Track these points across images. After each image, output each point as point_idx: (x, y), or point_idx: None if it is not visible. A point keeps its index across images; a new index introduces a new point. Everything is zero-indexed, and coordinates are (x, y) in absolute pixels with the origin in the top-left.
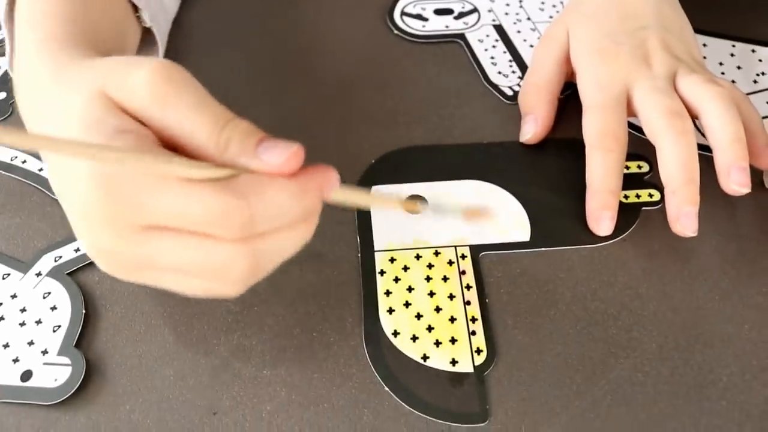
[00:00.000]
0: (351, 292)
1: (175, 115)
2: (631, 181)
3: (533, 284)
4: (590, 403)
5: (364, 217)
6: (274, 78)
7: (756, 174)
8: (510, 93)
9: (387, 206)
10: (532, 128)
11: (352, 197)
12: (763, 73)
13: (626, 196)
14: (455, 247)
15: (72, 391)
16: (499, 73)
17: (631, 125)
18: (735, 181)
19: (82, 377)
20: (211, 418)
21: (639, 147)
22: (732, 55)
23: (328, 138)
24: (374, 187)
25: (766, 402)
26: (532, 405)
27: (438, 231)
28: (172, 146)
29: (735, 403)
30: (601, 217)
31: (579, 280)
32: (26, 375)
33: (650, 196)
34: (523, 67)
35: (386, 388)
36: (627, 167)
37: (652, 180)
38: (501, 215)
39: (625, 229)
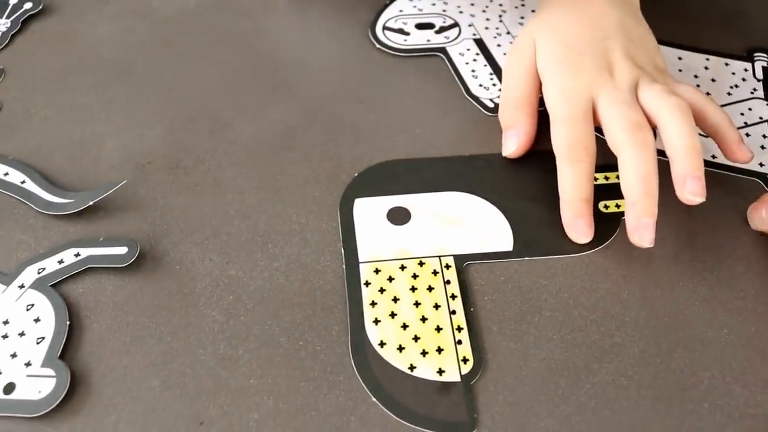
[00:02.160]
0: (336, 301)
1: None
2: (610, 192)
3: (517, 292)
4: (575, 407)
5: (348, 228)
6: (256, 92)
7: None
8: (491, 105)
9: None
10: (514, 143)
11: None
12: (736, 86)
13: (606, 206)
14: (439, 257)
15: (56, 403)
16: (480, 85)
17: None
18: (690, 191)
19: (67, 389)
20: (198, 428)
21: (612, 157)
22: (706, 68)
23: (313, 150)
24: (357, 200)
25: (746, 403)
26: (519, 411)
27: (421, 241)
28: None
29: (716, 405)
30: (576, 225)
31: (562, 288)
32: (9, 387)
33: None
34: None
35: (373, 399)
36: (606, 177)
37: None
38: (484, 225)
39: (606, 238)
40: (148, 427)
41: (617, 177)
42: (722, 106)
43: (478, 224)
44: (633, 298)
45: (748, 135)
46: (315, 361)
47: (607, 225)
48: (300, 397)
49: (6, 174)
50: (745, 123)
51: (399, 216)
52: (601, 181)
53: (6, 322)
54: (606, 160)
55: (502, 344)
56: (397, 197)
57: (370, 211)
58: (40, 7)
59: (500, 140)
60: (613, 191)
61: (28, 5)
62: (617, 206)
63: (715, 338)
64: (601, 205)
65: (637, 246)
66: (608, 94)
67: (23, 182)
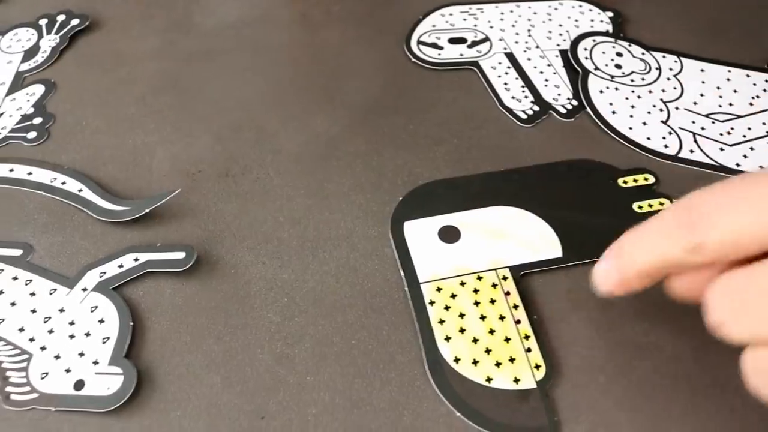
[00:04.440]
0: (385, 302)
1: None
2: (642, 193)
3: (572, 296)
4: (660, 401)
5: (403, 252)
6: (299, 103)
7: None
8: (524, 116)
9: None
10: (612, 276)
11: None
12: (757, 96)
13: (640, 207)
14: (495, 270)
15: (125, 399)
16: (513, 98)
17: (634, 143)
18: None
19: (134, 386)
20: (259, 422)
21: (640, 162)
22: (728, 79)
23: (356, 159)
24: (407, 223)
25: None
26: (596, 411)
27: (476, 257)
28: None
29: (748, 399)
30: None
31: None
32: (79, 384)
33: (661, 204)
34: (534, 92)
35: (458, 414)
36: (635, 180)
37: (660, 190)
38: (531, 235)
39: None
40: (212, 422)
41: (645, 179)
42: (744, 116)
43: (525, 235)
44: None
45: None
46: (367, 359)
47: None
48: (354, 393)
49: (63, 183)
50: (767, 132)
51: (449, 234)
52: (630, 183)
53: (72, 323)
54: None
55: (569, 348)
56: (444, 216)
57: (421, 233)
58: (87, 23)
59: (531, 152)
60: (643, 192)
61: (75, 21)
62: (650, 206)
63: None
64: (635, 205)
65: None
66: None
67: (80, 191)
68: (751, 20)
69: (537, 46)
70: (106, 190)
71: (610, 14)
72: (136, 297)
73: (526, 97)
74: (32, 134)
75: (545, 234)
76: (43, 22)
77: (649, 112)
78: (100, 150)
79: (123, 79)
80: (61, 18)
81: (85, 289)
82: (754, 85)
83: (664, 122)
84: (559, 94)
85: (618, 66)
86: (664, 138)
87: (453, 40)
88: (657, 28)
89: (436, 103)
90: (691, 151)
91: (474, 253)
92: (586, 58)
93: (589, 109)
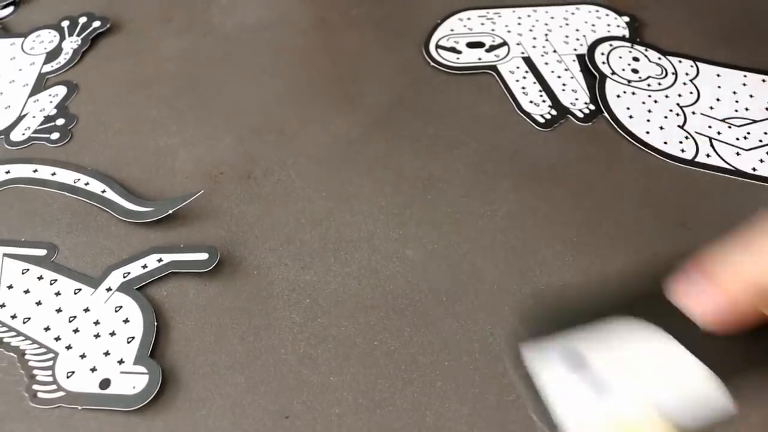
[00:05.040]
0: (406, 304)
1: None
2: None
3: None
4: None
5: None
6: (318, 106)
7: None
8: (542, 121)
9: None
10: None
11: None
12: None
13: None
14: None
15: (150, 398)
16: (531, 102)
17: (651, 147)
18: None
19: (159, 385)
20: (283, 421)
21: (656, 165)
22: (744, 84)
23: (375, 161)
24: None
25: None
26: None
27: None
28: None
29: None
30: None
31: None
32: (105, 383)
33: None
34: (552, 96)
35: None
36: None
37: None
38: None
39: None
40: (237, 421)
41: None
42: (760, 121)
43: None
44: None
45: None
46: (390, 360)
47: None
48: (377, 393)
49: (87, 183)
50: None
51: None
52: None
53: (97, 323)
54: None
55: None
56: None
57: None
58: (108, 25)
59: (549, 152)
60: None
61: (96, 24)
62: None
63: None
64: None
65: None
66: None
67: (104, 191)
68: None
69: (554, 51)
70: (129, 191)
71: (627, 19)
72: (160, 297)
73: (543, 101)
74: (55, 135)
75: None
76: (65, 24)
77: (665, 117)
78: (123, 151)
79: (144, 81)
80: (82, 20)
81: (109, 289)
82: None
83: (681, 126)
84: (576, 99)
85: (635, 71)
86: (680, 142)
87: (471, 45)
88: (673, 33)
89: (455, 106)
90: (708, 156)
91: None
92: (603, 62)
93: (606, 114)
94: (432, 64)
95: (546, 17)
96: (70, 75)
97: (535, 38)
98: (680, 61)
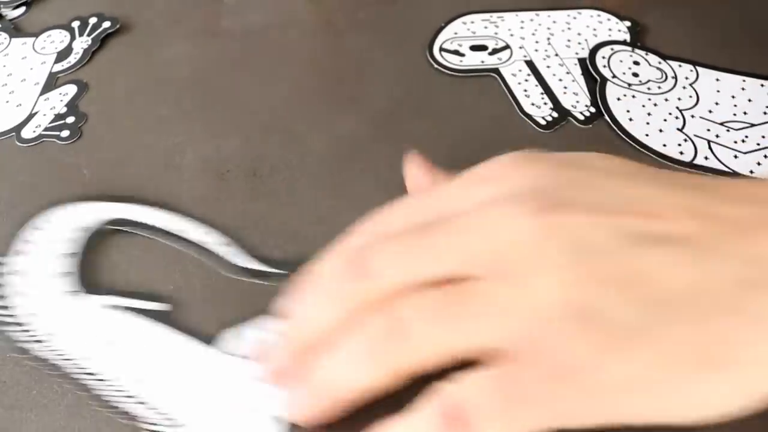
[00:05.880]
0: None
1: None
2: None
3: None
4: None
5: None
6: (324, 107)
7: None
8: (543, 123)
9: None
10: None
11: None
12: None
13: None
14: None
15: None
16: (533, 104)
17: (651, 150)
18: None
19: None
20: None
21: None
22: (743, 89)
23: (380, 161)
24: None
25: None
26: None
27: None
28: None
29: None
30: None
31: None
32: None
33: None
34: (553, 99)
35: None
36: None
37: None
38: None
39: None
40: None
41: None
42: (758, 125)
43: None
44: None
45: None
46: None
47: None
48: None
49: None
50: None
51: None
52: None
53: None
54: None
55: None
56: None
57: None
58: (118, 26)
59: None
60: None
61: (106, 24)
62: None
63: None
64: None
65: None
66: None
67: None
68: (767, 31)
69: (556, 54)
70: (138, 189)
71: (628, 24)
72: None
73: (545, 103)
74: (65, 133)
75: None
76: (75, 24)
77: (665, 120)
78: (132, 149)
79: (153, 81)
80: (92, 21)
81: None
82: None
83: (680, 129)
84: (577, 101)
85: (635, 74)
86: (679, 145)
87: (474, 48)
88: (673, 38)
89: (458, 108)
90: (706, 158)
91: None
92: (604, 66)
93: (606, 116)
94: (435, 66)
95: (548, 21)
96: (80, 74)
97: (537, 42)
98: (680, 66)
